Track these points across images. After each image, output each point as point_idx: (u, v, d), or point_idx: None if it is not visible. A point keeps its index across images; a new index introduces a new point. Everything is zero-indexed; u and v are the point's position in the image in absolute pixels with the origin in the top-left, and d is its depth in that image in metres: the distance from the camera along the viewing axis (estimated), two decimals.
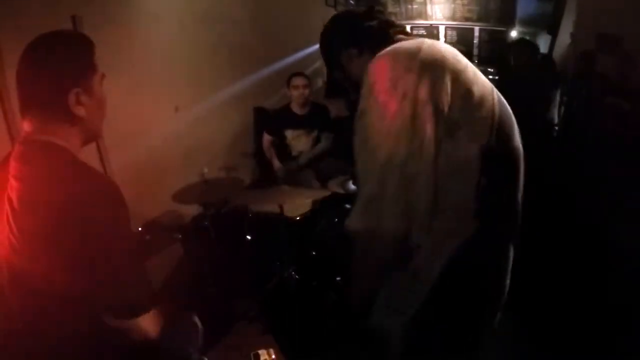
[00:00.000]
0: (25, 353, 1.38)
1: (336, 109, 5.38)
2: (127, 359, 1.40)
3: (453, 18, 10.01)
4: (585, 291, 3.07)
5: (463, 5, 9.86)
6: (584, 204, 3.51)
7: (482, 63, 8.90)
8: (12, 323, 1.38)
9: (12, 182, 1.27)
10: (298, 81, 4.30)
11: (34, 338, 1.36)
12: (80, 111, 1.34)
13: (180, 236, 3.54)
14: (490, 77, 8.00)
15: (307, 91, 4.30)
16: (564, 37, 7.01)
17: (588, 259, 3.30)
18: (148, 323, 1.32)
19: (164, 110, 4.10)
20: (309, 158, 4.34)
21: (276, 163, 4.41)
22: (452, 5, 9.96)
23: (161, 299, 1.52)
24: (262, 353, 2.56)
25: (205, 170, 3.51)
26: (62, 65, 1.33)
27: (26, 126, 1.34)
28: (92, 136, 1.46)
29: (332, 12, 8.95)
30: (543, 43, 7.69)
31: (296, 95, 4.31)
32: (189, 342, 1.63)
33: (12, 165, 1.29)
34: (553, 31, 7.54)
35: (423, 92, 1.28)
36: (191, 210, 3.92)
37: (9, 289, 1.34)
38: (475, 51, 9.64)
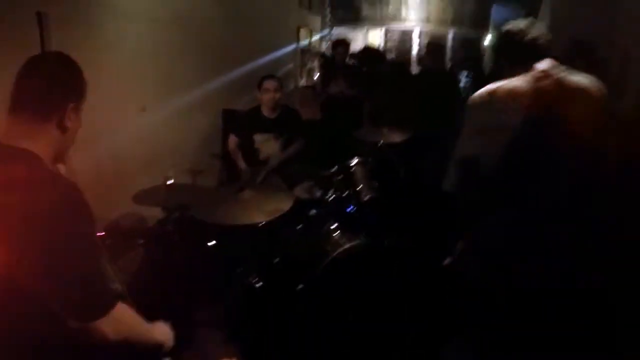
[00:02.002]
0: None
1: (308, 112, 5.36)
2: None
3: (428, 21, 10.08)
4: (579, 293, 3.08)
5: (437, 9, 9.94)
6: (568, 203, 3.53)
7: (456, 65, 8.98)
8: None
9: None
10: (269, 84, 4.22)
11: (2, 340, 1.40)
12: (69, 123, 1.48)
13: (142, 241, 3.48)
14: (465, 79, 8.05)
15: (277, 95, 4.23)
16: None
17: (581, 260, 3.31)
18: (108, 325, 1.36)
19: (129, 110, 4.02)
20: (278, 162, 4.29)
21: (242, 164, 4.34)
22: (427, 8, 10.02)
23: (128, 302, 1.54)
24: None
25: (171, 173, 3.45)
26: (71, 79, 1.51)
27: (7, 125, 1.42)
28: (62, 154, 1.58)
29: (306, 13, 8.93)
30: None
31: (266, 99, 4.24)
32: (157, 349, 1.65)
33: None
34: None
35: None
36: (154, 212, 3.86)
37: None
38: (449, 54, 9.71)
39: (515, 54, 2.22)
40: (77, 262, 1.33)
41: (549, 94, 2.06)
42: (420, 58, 9.84)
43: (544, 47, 2.17)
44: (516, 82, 2.10)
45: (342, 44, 6.31)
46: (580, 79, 2.12)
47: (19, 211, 1.26)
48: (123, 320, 1.44)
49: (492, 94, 2.12)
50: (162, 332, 1.68)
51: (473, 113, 2.20)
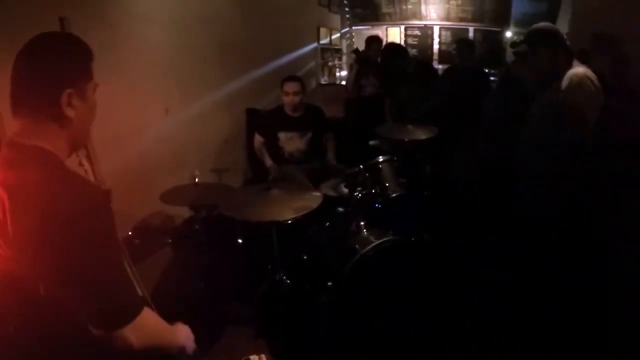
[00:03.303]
0: (17, 357, 1.39)
1: (331, 110, 5.37)
2: None
3: (447, 18, 10.00)
4: (584, 290, 3.08)
5: (457, 5, 9.86)
6: (578, 204, 3.53)
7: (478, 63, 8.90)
8: (3, 328, 1.37)
9: None
10: (289, 87, 4.23)
11: (24, 343, 1.36)
12: (71, 113, 1.34)
13: (170, 240, 3.50)
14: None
15: (298, 98, 4.24)
16: None
17: (585, 260, 3.30)
18: (133, 333, 1.30)
19: (155, 111, 4.06)
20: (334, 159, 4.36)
21: (268, 161, 4.36)
22: (447, 6, 9.95)
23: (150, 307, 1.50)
24: (254, 358, 2.52)
25: (197, 172, 3.47)
26: (59, 64, 1.35)
27: (16, 125, 1.34)
28: (78, 143, 1.47)
29: (325, 12, 8.93)
30: None
31: (287, 101, 4.26)
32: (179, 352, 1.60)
33: None
34: None
35: None
36: (180, 212, 3.89)
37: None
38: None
39: (568, 49, 2.97)
40: (98, 267, 1.25)
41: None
42: (442, 55, 9.81)
43: None
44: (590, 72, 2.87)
45: (376, 41, 6.25)
46: None
47: (36, 214, 1.19)
48: (147, 327, 1.38)
49: (592, 79, 2.84)
50: (183, 334, 1.62)
51: (593, 94, 2.83)
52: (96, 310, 1.26)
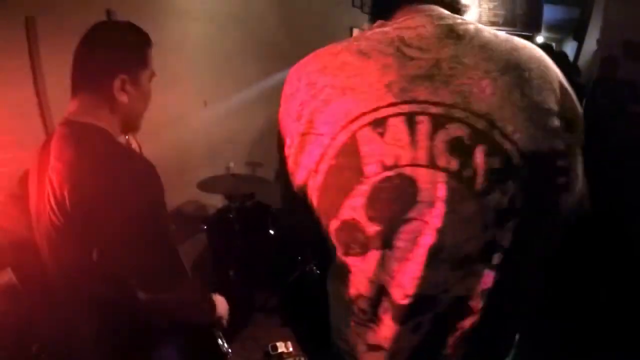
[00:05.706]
0: (67, 323, 1.49)
1: None
2: (157, 332, 1.51)
3: (479, 22, 9.85)
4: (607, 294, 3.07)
5: (489, 9, 9.82)
6: (605, 212, 3.53)
7: None
8: (54, 296, 1.47)
9: (53, 163, 1.32)
10: None
11: (74, 310, 1.45)
12: (123, 97, 1.39)
13: (205, 227, 3.60)
14: None
15: None
16: (591, 43, 6.97)
17: (613, 264, 3.30)
18: (177, 298, 1.37)
19: (194, 104, 4.17)
20: None
21: None
22: (479, 9, 9.91)
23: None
24: (280, 345, 2.63)
25: (232, 164, 3.58)
26: (115, 50, 1.40)
27: (72, 105, 1.40)
28: (129, 127, 1.52)
29: (358, 13, 8.98)
30: (569, 49, 7.64)
31: None
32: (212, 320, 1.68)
33: (54, 146, 1.35)
34: (579, 37, 7.49)
35: None
36: (215, 201, 3.99)
37: (50, 265, 1.43)
38: None
39: None
40: (150, 234, 1.31)
41: None
42: None
43: None
44: None
45: None
46: None
47: (93, 184, 1.25)
48: (191, 294, 1.45)
49: None
50: (220, 305, 1.69)
51: None
52: (145, 275, 1.32)
